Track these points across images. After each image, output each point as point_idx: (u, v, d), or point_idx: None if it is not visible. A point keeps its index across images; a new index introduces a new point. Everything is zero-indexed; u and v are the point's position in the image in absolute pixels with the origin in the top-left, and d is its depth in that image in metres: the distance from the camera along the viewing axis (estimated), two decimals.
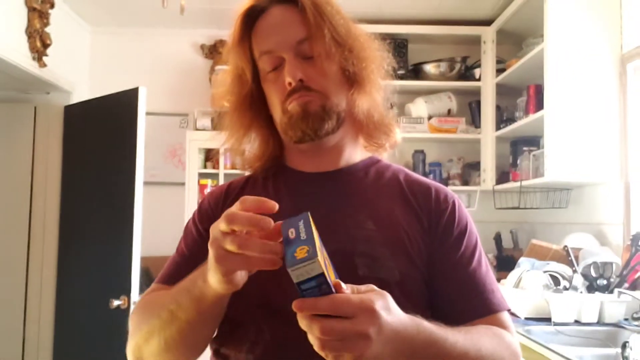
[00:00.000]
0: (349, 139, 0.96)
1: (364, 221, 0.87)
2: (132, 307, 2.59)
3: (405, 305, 0.78)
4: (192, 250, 0.93)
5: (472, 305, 0.86)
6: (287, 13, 0.90)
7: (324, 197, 0.91)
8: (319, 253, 0.61)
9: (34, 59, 2.94)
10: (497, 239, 3.20)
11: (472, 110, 3.40)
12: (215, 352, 0.90)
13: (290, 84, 0.88)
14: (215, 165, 3.34)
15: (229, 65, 0.97)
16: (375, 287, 0.66)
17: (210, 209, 0.96)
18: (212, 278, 0.69)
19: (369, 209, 0.89)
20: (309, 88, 0.89)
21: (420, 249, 0.87)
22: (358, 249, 0.83)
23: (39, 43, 2.95)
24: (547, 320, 2.11)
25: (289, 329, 0.73)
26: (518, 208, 2.90)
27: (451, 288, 0.87)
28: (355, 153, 0.98)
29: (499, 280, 2.31)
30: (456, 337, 0.73)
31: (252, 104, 0.95)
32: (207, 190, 3.27)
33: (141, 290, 2.71)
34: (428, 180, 0.97)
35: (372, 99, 0.93)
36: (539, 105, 2.63)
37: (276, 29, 0.90)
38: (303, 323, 0.62)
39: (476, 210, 3.23)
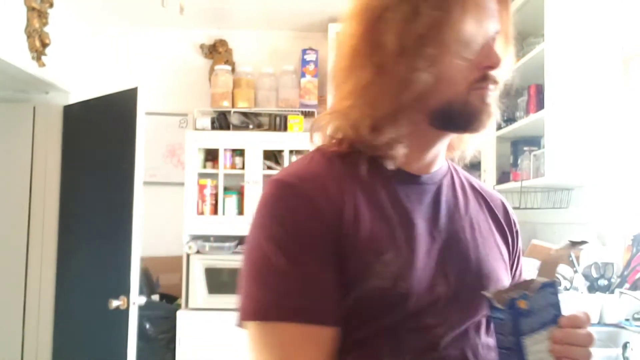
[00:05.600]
0: None
1: (477, 237, 0.83)
2: (131, 307, 2.58)
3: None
4: (326, 270, 0.71)
5: None
6: None
7: (437, 207, 0.82)
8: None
9: (33, 58, 2.93)
10: None
11: None
12: None
13: (491, 67, 0.75)
14: (216, 165, 3.34)
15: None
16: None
17: (329, 212, 0.72)
18: None
19: (474, 222, 0.84)
20: (496, 81, 0.77)
21: (508, 268, 0.87)
22: (484, 267, 0.81)
23: (38, 43, 2.94)
24: None
25: (432, 352, 0.75)
26: (519, 208, 2.89)
27: None
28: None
29: None
30: None
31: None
32: (207, 190, 3.26)
33: (141, 291, 2.70)
34: (493, 190, 0.95)
35: None
36: (540, 105, 2.62)
37: (488, 3, 0.76)
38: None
39: None
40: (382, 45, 0.73)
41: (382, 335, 0.72)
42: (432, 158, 0.82)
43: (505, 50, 0.80)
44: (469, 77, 0.74)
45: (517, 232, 0.91)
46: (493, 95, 0.77)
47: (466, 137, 0.87)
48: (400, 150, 0.76)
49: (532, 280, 0.73)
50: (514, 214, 0.92)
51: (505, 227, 0.88)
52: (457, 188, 0.86)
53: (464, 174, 0.91)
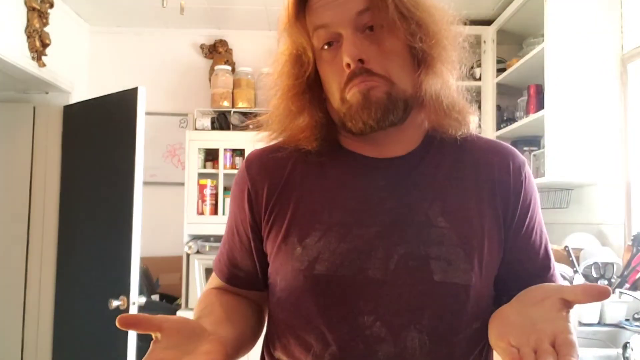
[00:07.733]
0: (417, 123, 0.85)
1: (436, 218, 0.78)
2: (131, 307, 2.59)
3: (475, 309, 0.77)
4: (245, 243, 0.88)
5: (539, 270, 0.86)
6: None
7: (391, 189, 0.80)
8: None
9: (33, 58, 2.93)
10: None
11: None
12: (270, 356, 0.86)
13: (348, 65, 0.76)
14: (216, 165, 3.34)
15: (284, 44, 0.86)
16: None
17: (261, 196, 0.84)
18: None
19: (440, 201, 0.79)
20: (371, 71, 0.76)
21: (496, 242, 0.80)
22: (432, 251, 0.76)
23: (38, 43, 2.94)
24: None
25: (358, 342, 0.75)
26: None
27: (524, 261, 0.84)
28: (421, 132, 0.86)
29: None
30: None
31: (309, 87, 0.83)
32: (207, 190, 3.26)
33: (141, 291, 2.70)
34: (498, 146, 0.87)
35: (443, 81, 0.81)
36: (540, 105, 2.62)
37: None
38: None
39: None
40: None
41: (311, 321, 0.77)
42: (383, 143, 0.82)
43: (379, 21, 0.77)
44: (339, 85, 0.79)
45: (522, 196, 0.82)
46: (376, 87, 0.76)
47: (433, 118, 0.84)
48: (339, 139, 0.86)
49: None
50: (524, 180, 0.83)
51: (496, 197, 0.81)
52: (430, 170, 0.82)
53: (462, 144, 0.85)
